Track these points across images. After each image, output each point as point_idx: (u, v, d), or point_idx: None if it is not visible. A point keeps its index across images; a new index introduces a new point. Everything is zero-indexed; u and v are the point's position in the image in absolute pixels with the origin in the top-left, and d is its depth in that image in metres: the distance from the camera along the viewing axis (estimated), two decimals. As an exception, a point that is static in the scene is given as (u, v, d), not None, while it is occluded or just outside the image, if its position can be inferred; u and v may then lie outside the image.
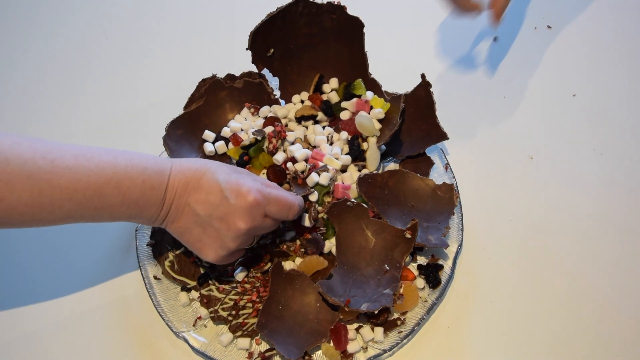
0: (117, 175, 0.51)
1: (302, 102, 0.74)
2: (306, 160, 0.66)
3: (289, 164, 0.66)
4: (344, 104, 0.71)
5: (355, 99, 0.70)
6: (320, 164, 0.66)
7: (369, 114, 0.69)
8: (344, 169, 0.68)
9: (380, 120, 0.69)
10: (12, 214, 0.47)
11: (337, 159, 0.67)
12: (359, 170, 0.68)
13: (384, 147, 0.71)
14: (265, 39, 0.71)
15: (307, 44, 0.73)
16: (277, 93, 0.75)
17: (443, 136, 0.68)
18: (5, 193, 0.46)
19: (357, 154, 0.68)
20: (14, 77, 0.86)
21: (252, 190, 0.54)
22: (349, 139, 0.69)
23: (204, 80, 0.73)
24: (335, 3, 0.69)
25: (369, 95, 0.70)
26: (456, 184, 0.69)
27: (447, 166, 0.70)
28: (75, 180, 0.49)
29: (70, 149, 0.50)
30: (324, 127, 0.71)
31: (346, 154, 0.68)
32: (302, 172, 0.65)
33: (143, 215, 0.54)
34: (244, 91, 0.74)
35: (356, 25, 0.70)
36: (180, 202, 0.54)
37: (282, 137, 0.67)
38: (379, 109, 0.69)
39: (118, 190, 0.51)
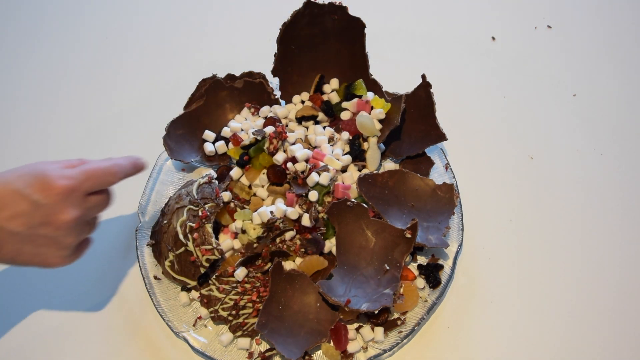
0: None
1: (303, 102, 0.74)
2: (307, 161, 0.66)
3: (289, 164, 0.66)
4: (344, 104, 0.71)
5: (356, 99, 0.70)
6: (321, 164, 0.66)
7: (369, 114, 0.69)
8: (344, 169, 0.68)
9: (380, 121, 0.69)
10: None
11: (337, 159, 0.67)
12: (359, 170, 0.68)
13: (382, 146, 0.71)
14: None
15: (308, 44, 0.73)
16: (278, 93, 0.75)
17: (442, 137, 0.68)
18: None
19: (357, 154, 0.68)
20: (14, 77, 0.86)
21: (58, 179, 0.49)
22: (350, 138, 0.69)
23: (204, 80, 0.73)
24: (337, 4, 0.69)
25: (370, 95, 0.70)
26: (456, 184, 0.69)
27: (447, 166, 0.70)
28: None
29: None
30: (324, 128, 0.71)
31: (346, 154, 0.68)
32: (302, 172, 0.65)
33: None
34: (244, 91, 0.74)
35: (357, 26, 0.70)
36: None
37: (283, 138, 0.67)
38: (380, 109, 0.69)
39: None
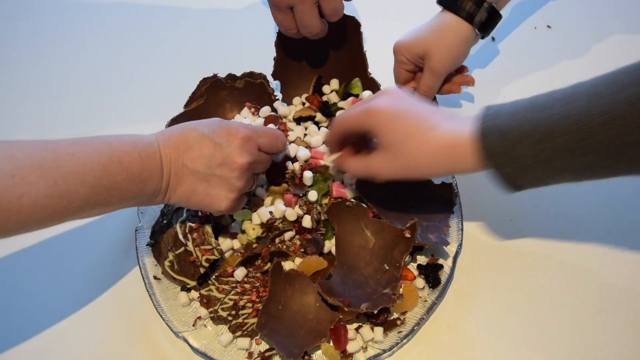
0: (115, 153, 0.51)
1: (303, 104, 0.74)
2: (306, 161, 0.66)
3: (288, 163, 0.66)
4: (340, 104, 0.71)
5: (351, 98, 0.70)
6: (321, 162, 0.66)
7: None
8: (343, 169, 0.68)
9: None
10: (35, 209, 0.47)
11: (337, 159, 0.67)
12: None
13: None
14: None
15: (306, 46, 0.73)
16: (278, 95, 0.75)
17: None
18: (24, 188, 0.46)
19: (356, 154, 0.68)
20: (13, 77, 0.86)
21: (240, 127, 0.56)
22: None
23: (204, 79, 0.73)
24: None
25: (366, 94, 0.70)
26: (456, 183, 0.69)
27: (447, 166, 0.70)
28: (81, 164, 0.49)
29: (61, 142, 0.50)
30: (320, 128, 0.71)
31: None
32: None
33: (147, 189, 0.54)
34: (244, 91, 0.74)
35: (353, 25, 0.70)
36: (177, 166, 0.55)
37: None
38: (378, 109, 0.69)
39: (121, 166, 0.51)
